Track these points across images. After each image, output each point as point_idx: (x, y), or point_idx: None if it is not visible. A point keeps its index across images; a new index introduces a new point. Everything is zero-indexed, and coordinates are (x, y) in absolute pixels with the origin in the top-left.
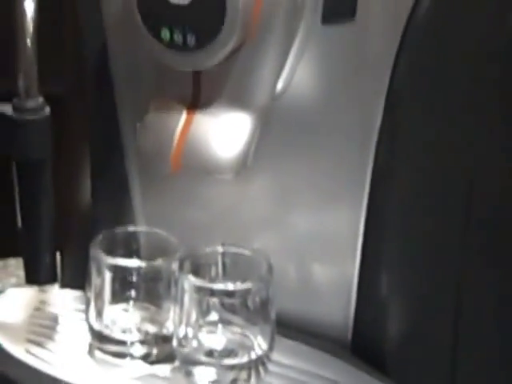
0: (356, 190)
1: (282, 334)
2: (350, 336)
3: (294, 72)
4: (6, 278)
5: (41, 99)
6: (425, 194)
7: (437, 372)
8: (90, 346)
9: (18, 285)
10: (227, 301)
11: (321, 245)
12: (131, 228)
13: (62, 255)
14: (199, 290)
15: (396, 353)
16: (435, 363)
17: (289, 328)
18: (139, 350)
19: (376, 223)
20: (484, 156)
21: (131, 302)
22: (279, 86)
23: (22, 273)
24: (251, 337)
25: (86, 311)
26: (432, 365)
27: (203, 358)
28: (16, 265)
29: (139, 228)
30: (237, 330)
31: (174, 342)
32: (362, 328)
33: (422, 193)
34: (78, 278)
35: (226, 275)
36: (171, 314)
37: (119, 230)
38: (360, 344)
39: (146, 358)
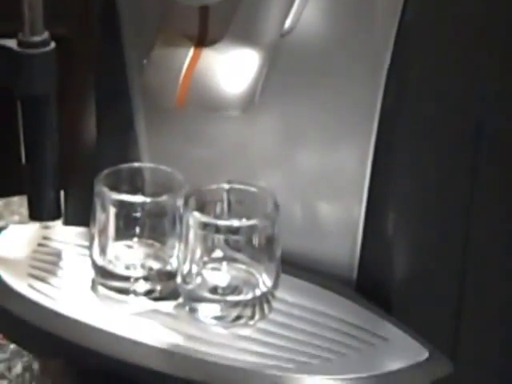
0: (364, 129)
1: (287, 271)
2: (355, 275)
3: (303, 9)
4: (9, 216)
5: (46, 34)
6: (435, 133)
7: (442, 312)
8: (94, 281)
9: (21, 223)
10: (232, 238)
11: (327, 183)
12: (136, 164)
13: (66, 192)
14: (204, 226)
15: (401, 292)
16: (440, 303)
17: (294, 266)
18: (143, 286)
19: (383, 162)
20: (498, 93)
21: (135, 239)
22: (287, 22)
23: (25, 211)
24: (256, 274)
25: (90, 247)
26: (437, 304)
27: (207, 295)
28: (19, 203)
29: (144, 164)
30: (241, 267)
31: (178, 279)
32: (367, 267)
33: (432, 132)
34: (81, 216)
35: (232, 213)
36: (175, 250)
37: (124, 166)
38: (365, 283)
39: (149, 294)
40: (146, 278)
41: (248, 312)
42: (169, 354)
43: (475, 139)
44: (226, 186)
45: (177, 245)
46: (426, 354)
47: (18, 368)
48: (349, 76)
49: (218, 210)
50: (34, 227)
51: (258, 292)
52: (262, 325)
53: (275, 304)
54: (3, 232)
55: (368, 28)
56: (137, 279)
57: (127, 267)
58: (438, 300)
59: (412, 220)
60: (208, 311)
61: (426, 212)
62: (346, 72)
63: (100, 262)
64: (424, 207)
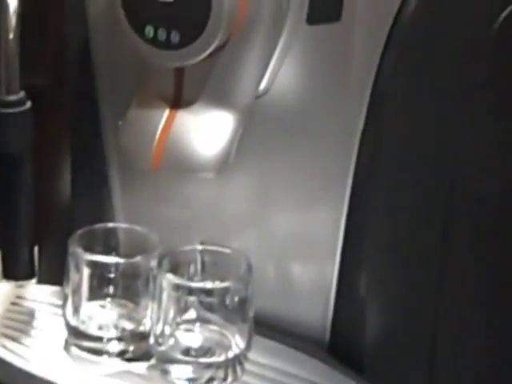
0: (337, 190)
1: (260, 333)
2: (327, 336)
3: (278, 71)
4: None
5: (22, 93)
6: (406, 195)
7: (414, 373)
8: (67, 341)
9: None
10: (205, 299)
11: (301, 245)
12: (110, 224)
13: (40, 251)
14: (177, 287)
15: (373, 354)
16: (413, 364)
17: (267, 327)
18: (116, 346)
19: (356, 224)
20: (468, 154)
21: (109, 299)
22: (262, 84)
23: None
24: (229, 335)
25: (63, 307)
26: (409, 366)
27: (180, 356)
28: None
29: (118, 225)
30: (215, 328)
31: (151, 340)
32: (339, 329)
33: (404, 194)
34: (55, 274)
35: (205, 274)
36: (149, 311)
37: (98, 226)
38: (337, 344)
39: (122, 354)
40: (119, 339)
41: (221, 374)
42: None
43: (446, 204)
44: (200, 248)
45: (150, 305)
46: None
47: None
48: (323, 136)
49: (192, 270)
50: (8, 286)
51: (230, 354)
52: None
53: (248, 366)
54: None
55: (342, 89)
56: (110, 340)
57: (100, 327)
58: (410, 363)
59: (385, 281)
60: (180, 373)
61: (398, 274)
62: (321, 132)
63: (73, 322)
64: (397, 269)
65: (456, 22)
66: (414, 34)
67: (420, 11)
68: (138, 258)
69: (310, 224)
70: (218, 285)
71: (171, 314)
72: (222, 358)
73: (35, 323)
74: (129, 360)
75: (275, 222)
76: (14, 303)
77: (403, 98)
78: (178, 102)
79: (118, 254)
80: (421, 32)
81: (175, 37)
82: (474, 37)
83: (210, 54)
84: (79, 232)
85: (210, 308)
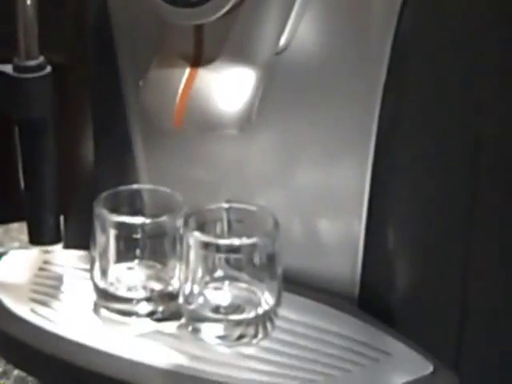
0: (361, 145)
1: (289, 289)
2: (357, 291)
3: (297, 27)
4: (8, 242)
5: (41, 58)
6: (433, 145)
7: (445, 326)
8: (96, 304)
9: (21, 249)
10: (233, 256)
11: (327, 200)
12: (135, 186)
13: (65, 216)
14: (205, 245)
15: (403, 306)
16: (444, 317)
17: (295, 284)
18: (145, 307)
19: (382, 177)
20: (490, 104)
21: (136, 260)
22: (282, 40)
23: (24, 237)
24: (258, 293)
25: (91, 270)
26: (441, 318)
27: (210, 314)
28: (18, 229)
29: (143, 186)
30: (243, 286)
31: (181, 299)
32: (369, 283)
33: (430, 145)
34: (81, 239)
35: (232, 232)
36: (176, 271)
37: (123, 188)
38: (367, 298)
39: (151, 315)
40: (148, 300)
41: (251, 331)
42: (173, 374)
43: (474, 152)
44: (226, 206)
45: (178, 265)
46: (430, 368)
47: None
48: (346, 92)
49: (218, 229)
50: (35, 252)
51: (260, 310)
52: (265, 343)
53: (278, 322)
54: (3, 258)
55: (363, 43)
56: (139, 301)
57: (129, 289)
58: (440, 313)
59: (412, 234)
60: (211, 331)
61: (426, 226)
62: (343, 88)
63: (101, 284)
64: (424, 221)
65: None
66: None
67: None
68: (163, 218)
69: (335, 180)
70: (245, 241)
71: (199, 272)
72: (251, 315)
73: (63, 287)
74: (158, 320)
75: (300, 178)
76: (41, 268)
77: (425, 50)
78: (198, 59)
79: (143, 216)
80: None
81: None
82: None
83: (229, 11)
84: (104, 194)
85: (237, 266)
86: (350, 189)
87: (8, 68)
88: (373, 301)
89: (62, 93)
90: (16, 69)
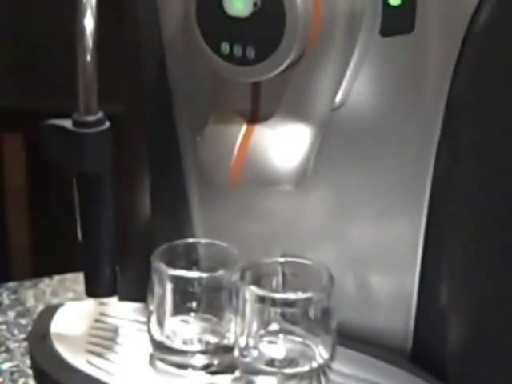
0: (416, 200)
1: (342, 343)
2: (410, 346)
3: (353, 83)
4: (63, 293)
5: (100, 114)
6: (486, 203)
7: (500, 382)
8: (152, 356)
9: (75, 299)
10: (288, 310)
11: (380, 256)
12: (191, 240)
13: (121, 268)
14: (261, 299)
15: (456, 363)
16: (496, 373)
17: (348, 338)
18: (200, 360)
19: (436, 234)
20: None
21: (192, 313)
22: (338, 97)
23: (79, 287)
24: (312, 346)
25: (148, 322)
26: (494, 375)
27: (264, 367)
28: (73, 280)
29: (199, 240)
30: (298, 339)
31: (236, 352)
32: (421, 338)
33: (483, 202)
34: (136, 291)
35: (287, 286)
36: (232, 324)
37: (179, 242)
38: (420, 354)
39: (207, 368)
40: (203, 352)
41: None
42: None
43: None
44: (281, 260)
45: (233, 318)
46: None
47: None
48: (399, 148)
49: (274, 283)
50: (91, 303)
51: (314, 364)
52: None
53: (332, 376)
54: (61, 309)
55: (418, 100)
56: (194, 353)
57: (185, 342)
58: (494, 370)
59: (465, 290)
60: (265, 383)
61: (479, 280)
62: (397, 144)
63: (158, 336)
64: (477, 277)
65: None
66: (488, 42)
67: (494, 19)
68: (220, 272)
69: (389, 235)
70: (300, 296)
71: (255, 325)
72: (306, 369)
73: (119, 339)
74: (213, 373)
75: (354, 234)
76: (97, 320)
77: (479, 108)
78: (255, 116)
79: (199, 269)
80: (496, 40)
81: (251, 52)
82: None
83: (286, 68)
84: (161, 248)
85: (292, 320)
86: (404, 243)
87: (68, 123)
88: (425, 355)
89: (119, 145)
90: (75, 123)
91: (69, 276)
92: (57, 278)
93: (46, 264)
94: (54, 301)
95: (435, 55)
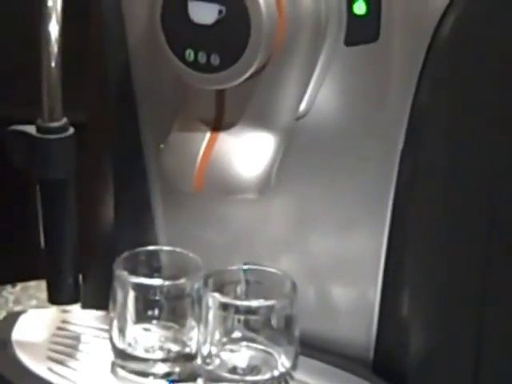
0: (378, 211)
1: (304, 353)
2: (371, 355)
3: (317, 92)
4: (26, 300)
5: (64, 120)
6: (447, 216)
7: None
8: (113, 364)
9: (38, 307)
10: (251, 318)
11: (342, 265)
12: (154, 247)
13: (83, 275)
14: (224, 307)
15: (418, 371)
16: (457, 382)
17: (310, 347)
18: (162, 368)
19: (398, 244)
20: (508, 171)
21: (154, 321)
22: (302, 106)
23: (42, 295)
24: (275, 355)
25: (110, 330)
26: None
27: (227, 375)
28: (36, 287)
29: (162, 247)
30: (260, 347)
31: (199, 360)
32: (383, 347)
33: (445, 215)
34: (99, 298)
35: (250, 294)
36: (194, 332)
37: (142, 249)
38: (382, 363)
39: (168, 376)
40: (164, 360)
41: None
42: None
43: (488, 225)
44: (244, 267)
45: (195, 326)
46: None
47: None
48: (363, 158)
49: (236, 291)
50: (53, 311)
51: (276, 372)
52: None
53: None
54: (23, 316)
55: (381, 110)
56: (156, 361)
57: (146, 350)
58: (454, 379)
59: (427, 300)
60: None
61: (440, 292)
62: (360, 154)
63: (119, 344)
64: (438, 287)
65: (495, 42)
66: (451, 53)
67: (458, 31)
68: (183, 280)
69: (351, 246)
70: (263, 303)
71: (217, 333)
72: (267, 376)
73: (81, 347)
74: (175, 382)
75: (316, 243)
76: (59, 328)
77: (442, 119)
78: (219, 123)
79: (161, 277)
80: (459, 51)
81: (215, 60)
82: None
83: (250, 76)
84: (124, 255)
85: (255, 327)
86: (366, 253)
87: (31, 129)
88: (387, 365)
89: (83, 152)
90: (39, 130)
91: (32, 284)
92: (20, 285)
93: (9, 271)
94: (17, 308)
95: (399, 65)
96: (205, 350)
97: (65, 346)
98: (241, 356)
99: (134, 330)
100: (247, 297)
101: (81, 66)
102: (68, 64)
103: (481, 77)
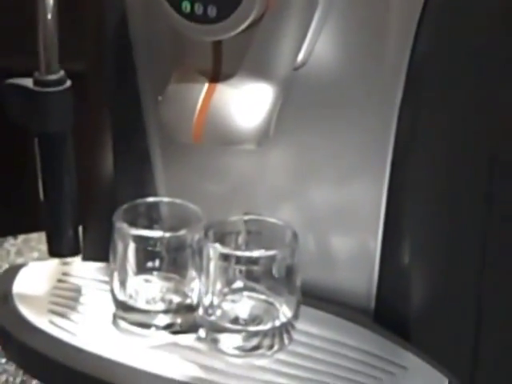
0: (378, 160)
1: (306, 303)
2: (373, 305)
3: (315, 42)
4: (28, 252)
5: (61, 73)
6: (448, 161)
7: (460, 339)
8: (114, 316)
9: (40, 259)
10: (252, 268)
11: (343, 215)
12: (154, 199)
13: (84, 227)
14: (225, 257)
15: (419, 320)
16: (458, 330)
17: (312, 297)
18: (163, 319)
19: (399, 194)
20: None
21: (155, 273)
22: (300, 56)
23: (44, 247)
24: (276, 304)
25: (110, 282)
26: (456, 332)
27: (229, 325)
28: (38, 239)
29: (162, 199)
30: (262, 297)
31: (200, 311)
32: (384, 296)
33: (446, 161)
34: (100, 250)
35: (251, 244)
36: (195, 283)
37: (141, 200)
38: (383, 312)
39: (169, 327)
40: (166, 312)
41: (267, 342)
42: None
43: (489, 166)
44: (245, 218)
45: (196, 277)
46: (445, 382)
47: None
48: (362, 108)
49: (238, 241)
50: (54, 263)
51: (277, 322)
52: (281, 355)
53: (295, 335)
54: (23, 269)
55: (380, 60)
56: (157, 313)
57: (147, 301)
58: (455, 327)
59: (427, 248)
60: (230, 341)
61: (441, 240)
62: (359, 104)
63: (120, 296)
64: (439, 235)
65: None
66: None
67: None
68: (183, 231)
69: (352, 195)
70: (264, 253)
71: (219, 284)
72: (269, 326)
73: (82, 299)
74: (176, 332)
75: (316, 193)
76: (60, 280)
77: (442, 65)
78: (217, 75)
79: (161, 228)
80: None
81: (212, 11)
82: None
83: (248, 27)
84: (123, 207)
85: (256, 278)
86: (367, 203)
87: (28, 82)
88: (388, 314)
89: (81, 103)
90: (36, 83)
91: (34, 235)
92: (21, 237)
93: (10, 223)
94: (19, 260)
95: (398, 12)
96: (206, 301)
97: (66, 299)
98: (242, 306)
99: (135, 282)
100: (248, 247)
101: (77, 16)
102: (65, 14)
103: (481, 18)
